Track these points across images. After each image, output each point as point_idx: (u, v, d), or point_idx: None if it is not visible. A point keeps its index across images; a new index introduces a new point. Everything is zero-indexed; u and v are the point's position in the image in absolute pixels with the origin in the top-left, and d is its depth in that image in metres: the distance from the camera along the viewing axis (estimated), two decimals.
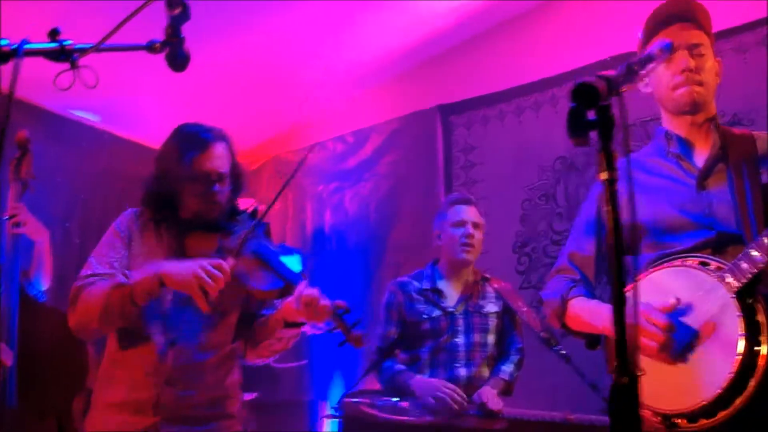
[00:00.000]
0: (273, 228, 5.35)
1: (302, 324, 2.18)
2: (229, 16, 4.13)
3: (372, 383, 3.30)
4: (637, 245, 1.95)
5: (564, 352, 2.80)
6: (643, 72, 1.48)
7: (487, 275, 3.21)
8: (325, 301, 2.06)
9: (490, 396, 2.88)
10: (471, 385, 2.98)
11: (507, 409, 2.89)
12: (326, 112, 5.05)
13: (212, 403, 2.18)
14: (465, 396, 2.88)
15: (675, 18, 1.93)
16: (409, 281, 3.21)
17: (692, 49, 1.91)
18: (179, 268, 1.98)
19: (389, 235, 4.64)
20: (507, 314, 3.16)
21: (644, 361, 1.75)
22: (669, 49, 1.52)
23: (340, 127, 5.11)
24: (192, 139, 2.17)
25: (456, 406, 2.83)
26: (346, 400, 2.99)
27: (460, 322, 3.09)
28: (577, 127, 1.16)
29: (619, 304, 1.07)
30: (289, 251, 2.30)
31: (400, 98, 4.82)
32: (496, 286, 3.16)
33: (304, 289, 2.05)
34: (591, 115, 1.20)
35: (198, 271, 1.95)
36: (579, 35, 4.12)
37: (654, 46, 1.52)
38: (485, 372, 3.06)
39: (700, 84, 1.90)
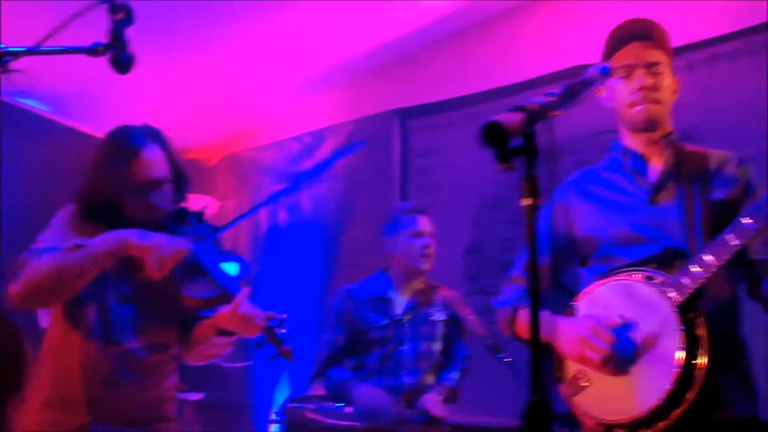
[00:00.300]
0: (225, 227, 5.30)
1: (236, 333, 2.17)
2: (187, 13, 4.08)
3: (319, 389, 3.29)
4: (589, 258, 2.00)
5: (508, 359, 2.85)
6: (583, 95, 1.51)
7: (436, 283, 3.24)
8: (258, 318, 2.05)
9: (433, 403, 2.91)
10: (416, 392, 3.00)
11: (452, 415, 2.93)
12: (284, 112, 5.02)
13: (149, 405, 2.13)
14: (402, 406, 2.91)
15: (634, 36, 1.98)
16: (357, 289, 3.22)
17: (650, 67, 1.95)
18: (143, 235, 1.96)
19: (344, 237, 4.64)
20: (454, 322, 3.19)
21: (590, 373, 1.82)
22: (607, 73, 1.55)
23: (298, 127, 5.08)
24: (121, 147, 2.08)
25: (394, 414, 2.86)
26: (290, 405, 2.98)
27: (408, 330, 3.10)
28: (501, 155, 1.16)
29: (535, 325, 1.06)
30: (230, 258, 2.27)
31: (358, 100, 4.81)
32: (443, 294, 3.19)
33: (240, 303, 2.04)
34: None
35: (160, 240, 1.94)
36: (537, 45, 4.15)
37: (593, 69, 1.56)
38: (431, 379, 3.09)
39: (657, 102, 1.95)
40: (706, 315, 1.73)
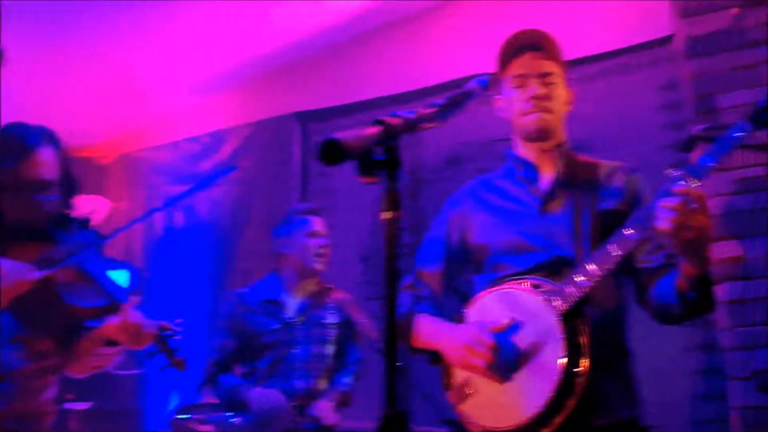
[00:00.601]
0: (119, 229, 5.16)
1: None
2: (85, 11, 3.98)
3: (210, 396, 3.26)
4: (482, 265, 2.02)
5: (401, 364, 2.90)
6: (462, 106, 1.57)
7: (329, 286, 3.26)
8: (149, 327, 2.03)
9: (324, 410, 2.93)
10: (308, 396, 3.01)
11: (344, 420, 2.95)
12: (183, 112, 4.93)
13: (25, 418, 2.06)
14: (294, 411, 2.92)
15: (527, 47, 2.01)
16: (248, 293, 3.19)
17: (542, 77, 1.98)
18: None
19: (240, 240, 4.61)
20: (347, 325, 3.20)
21: (475, 380, 1.83)
22: (486, 85, 1.57)
23: (196, 127, 5.00)
24: (13, 145, 2.04)
25: (290, 418, 2.87)
26: (177, 417, 2.94)
27: (300, 333, 3.10)
28: (363, 167, 1.18)
29: (390, 335, 1.11)
30: (119, 266, 2.23)
31: (259, 102, 4.76)
32: (337, 297, 3.21)
33: (129, 313, 2.01)
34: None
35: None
36: (441, 51, 4.19)
37: (473, 82, 1.58)
38: (323, 383, 3.10)
39: (549, 111, 1.97)
40: (591, 323, 1.76)
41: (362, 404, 3.21)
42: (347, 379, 3.15)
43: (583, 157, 2.08)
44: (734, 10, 3.42)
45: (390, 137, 1.21)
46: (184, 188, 4.89)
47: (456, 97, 1.54)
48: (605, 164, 2.05)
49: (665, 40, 3.72)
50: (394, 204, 1.17)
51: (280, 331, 3.08)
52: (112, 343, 2.12)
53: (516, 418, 1.73)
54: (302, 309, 3.15)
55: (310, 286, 3.21)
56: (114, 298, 2.02)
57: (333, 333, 3.18)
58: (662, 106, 3.75)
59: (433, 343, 1.96)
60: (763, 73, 3.32)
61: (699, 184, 1.61)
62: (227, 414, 2.98)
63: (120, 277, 2.16)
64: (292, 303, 3.17)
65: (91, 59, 4.42)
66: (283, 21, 4.29)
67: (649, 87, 3.76)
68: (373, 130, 1.22)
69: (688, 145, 2.35)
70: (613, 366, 1.87)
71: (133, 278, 2.25)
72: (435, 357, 1.97)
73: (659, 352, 3.52)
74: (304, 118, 4.71)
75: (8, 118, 2.18)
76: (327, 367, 3.14)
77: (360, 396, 3.19)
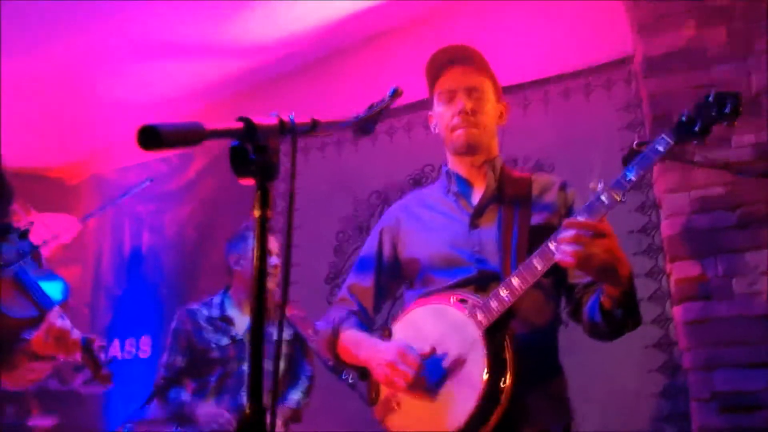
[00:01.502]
0: (90, 247, 5.15)
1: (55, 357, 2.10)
2: (50, 25, 3.99)
3: (158, 412, 3.21)
4: (413, 280, 2.01)
5: (351, 379, 2.87)
6: (377, 117, 1.57)
7: (281, 302, 3.23)
8: (74, 337, 2.00)
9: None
10: None
11: None
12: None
13: None
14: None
15: (454, 61, 2.02)
16: (198, 309, 3.18)
17: (470, 91, 1.99)
18: None
19: (205, 260, 4.57)
20: (297, 341, 3.19)
21: (400, 395, 1.82)
22: (394, 94, 1.59)
23: None
24: None
25: None
26: (121, 430, 2.90)
27: (247, 348, 3.07)
28: (237, 165, 1.17)
29: (256, 341, 1.11)
30: (52, 278, 2.22)
31: (224, 122, 4.75)
32: (288, 313, 3.17)
33: (55, 322, 1.98)
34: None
35: None
36: (402, 73, 4.22)
37: (386, 93, 1.60)
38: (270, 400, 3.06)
39: (476, 126, 1.98)
40: (520, 337, 1.75)
41: (315, 420, 3.17)
42: (296, 396, 3.13)
43: (516, 172, 2.08)
44: (691, 31, 3.44)
45: (256, 135, 1.19)
46: (151, 208, 4.94)
47: (371, 108, 1.57)
48: (539, 179, 2.05)
49: (624, 61, 3.73)
50: (264, 203, 1.15)
51: (229, 347, 3.05)
52: (43, 357, 2.08)
53: None
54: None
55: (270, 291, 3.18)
56: (45, 309, 2.00)
57: (282, 349, 3.15)
58: (624, 126, 3.76)
59: (359, 358, 1.94)
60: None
61: (621, 196, 1.63)
62: (174, 429, 2.92)
63: (53, 288, 2.14)
64: (241, 319, 3.14)
65: (61, 78, 4.43)
66: (256, 39, 4.31)
67: (610, 107, 3.77)
68: (231, 125, 1.20)
69: (627, 159, 2.36)
70: (540, 381, 1.85)
71: (65, 290, 2.22)
72: (364, 372, 1.95)
73: (623, 374, 3.49)
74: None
75: None
76: (275, 384, 3.08)
77: (313, 412, 3.15)
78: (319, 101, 4.42)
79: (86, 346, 2.03)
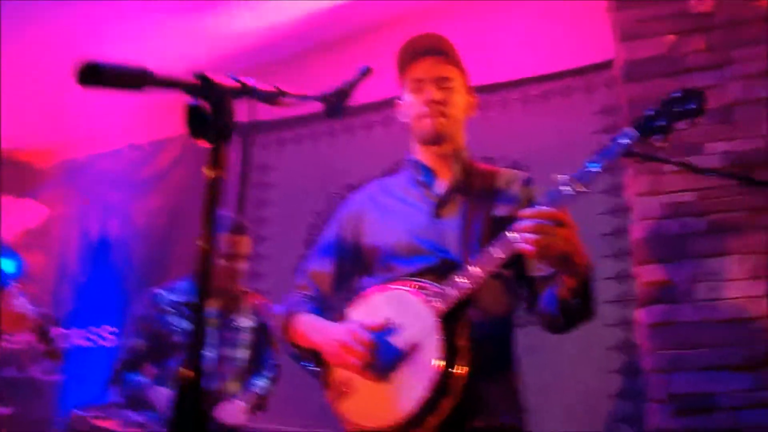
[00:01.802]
0: (56, 234, 5.06)
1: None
2: (25, 5, 3.94)
3: (116, 396, 3.14)
4: (373, 267, 1.98)
5: (316, 368, 2.83)
6: (348, 96, 1.56)
7: (245, 289, 3.19)
8: (28, 313, 1.97)
9: (230, 410, 2.85)
10: (217, 399, 2.92)
11: (262, 423, 2.90)
12: (124, 119, 4.86)
13: None
14: None
15: (425, 52, 2.00)
16: (162, 293, 3.12)
17: (440, 82, 1.97)
18: None
19: (174, 250, 4.51)
20: (262, 330, 3.14)
21: (353, 379, 1.79)
22: (365, 72, 1.58)
23: (138, 135, 4.93)
24: None
25: None
26: (76, 413, 2.83)
27: (212, 335, 3.02)
28: (193, 125, 1.14)
29: (198, 312, 1.07)
30: (7, 254, 2.20)
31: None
32: (253, 301, 3.15)
33: (8, 297, 1.95)
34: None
35: None
36: (384, 67, 4.24)
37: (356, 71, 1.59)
38: (233, 386, 3.01)
39: (445, 116, 1.96)
40: (476, 327, 1.74)
41: (281, 409, 3.13)
42: (260, 382, 3.08)
43: (483, 165, 2.08)
44: (672, 37, 3.48)
45: (212, 92, 1.16)
46: (121, 196, 4.88)
47: (342, 86, 1.57)
48: (505, 172, 2.05)
49: (606, 65, 3.76)
50: (218, 163, 1.12)
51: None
52: None
53: (390, 418, 1.70)
54: (215, 312, 3.07)
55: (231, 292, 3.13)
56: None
57: (246, 337, 3.11)
58: (601, 130, 3.78)
59: (311, 341, 1.91)
60: None
61: (583, 187, 1.62)
62: (131, 412, 2.87)
63: (7, 264, 2.11)
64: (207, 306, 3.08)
65: (37, 60, 4.36)
66: (227, 33, 4.28)
67: (588, 110, 3.80)
68: (186, 77, 1.16)
69: None
70: (495, 371, 1.84)
71: (20, 267, 2.18)
72: (317, 358, 1.92)
73: (584, 374, 3.50)
74: (245, 129, 4.64)
75: None
76: (238, 371, 3.06)
77: (279, 401, 3.13)
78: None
79: (39, 321, 1.98)
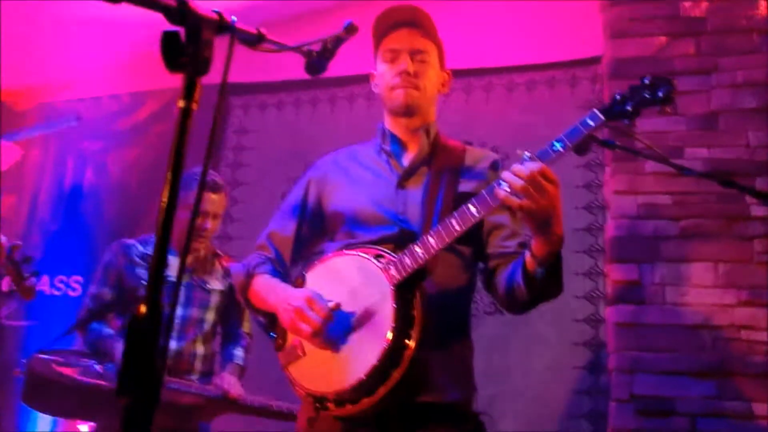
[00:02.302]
0: (29, 178, 4.98)
1: None
2: None
3: (78, 345, 3.12)
4: (335, 233, 1.98)
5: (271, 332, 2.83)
6: (335, 50, 1.53)
7: (219, 252, 3.16)
8: (1, 242, 1.94)
9: (231, 383, 2.86)
10: (179, 359, 2.91)
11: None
12: (106, 68, 4.76)
13: None
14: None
15: (402, 23, 1.99)
16: (133, 244, 3.07)
17: (414, 54, 1.96)
18: None
19: (146, 205, 4.44)
20: (232, 294, 3.10)
21: (306, 344, 1.78)
22: (351, 28, 1.54)
23: (118, 85, 4.83)
24: None
25: None
26: (37, 356, 2.80)
27: (180, 294, 2.99)
28: (169, 55, 1.09)
29: (159, 253, 1.03)
30: None
31: None
32: (225, 264, 3.11)
33: None
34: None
35: None
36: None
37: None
38: (198, 348, 2.98)
39: (417, 88, 1.95)
40: (430, 300, 1.73)
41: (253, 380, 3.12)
42: (239, 353, 3.07)
43: (451, 141, 2.07)
44: (662, 39, 3.48)
45: (188, 20, 1.10)
46: (98, 146, 4.80)
47: (327, 41, 1.53)
48: (473, 150, 2.06)
49: (592, 61, 3.75)
50: (189, 94, 1.09)
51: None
52: None
53: (340, 384, 1.69)
54: (186, 271, 3.03)
55: (199, 250, 3.09)
56: None
57: (215, 299, 3.07)
58: None
59: (267, 302, 1.89)
60: (681, 103, 3.37)
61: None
62: (92, 361, 2.84)
63: None
64: (176, 263, 3.04)
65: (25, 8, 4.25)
66: None
67: (571, 103, 3.79)
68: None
69: (579, 146, 2.36)
70: (447, 347, 1.84)
71: None
72: (273, 320, 1.91)
73: (549, 369, 3.53)
74: (227, 90, 4.59)
75: None
76: (205, 332, 3.02)
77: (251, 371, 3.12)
78: (281, 61, 4.32)
79: (10, 254, 1.95)
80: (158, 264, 0.97)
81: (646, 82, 1.64)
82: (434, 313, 1.74)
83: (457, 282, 1.90)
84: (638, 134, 3.30)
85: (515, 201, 1.57)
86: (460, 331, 1.92)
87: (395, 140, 2.02)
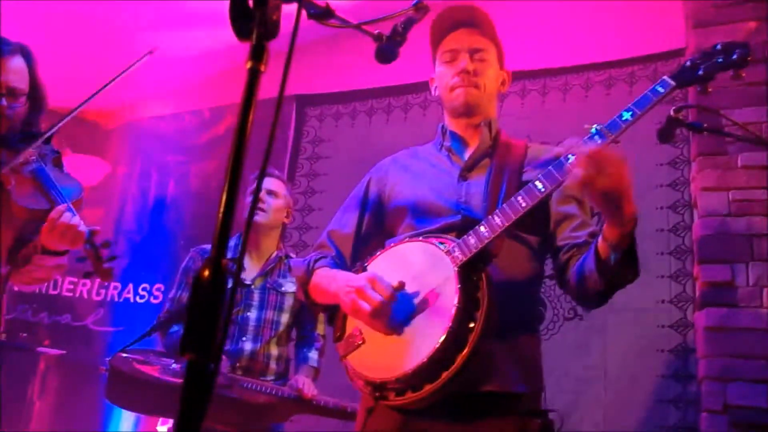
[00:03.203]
0: (116, 191, 5.17)
1: (64, 252, 2.13)
2: None
3: (158, 346, 3.19)
4: (397, 228, 1.94)
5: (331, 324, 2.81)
6: (405, 32, 1.52)
7: (292, 255, 3.19)
8: (80, 228, 2.01)
9: (306, 383, 2.85)
10: (254, 359, 2.94)
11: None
12: (187, 84, 4.93)
13: None
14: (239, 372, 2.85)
15: (460, 24, 1.97)
16: (210, 249, 3.13)
17: (473, 53, 1.94)
18: None
19: None
20: None
21: (366, 331, 1.72)
22: (420, 6, 1.52)
23: (199, 101, 4.99)
24: None
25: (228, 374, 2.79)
26: (119, 354, 2.87)
27: (255, 296, 3.03)
28: (236, 22, 1.08)
29: (228, 206, 0.98)
30: (70, 180, 2.28)
31: (261, 81, 4.73)
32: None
33: (62, 212, 2.00)
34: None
35: None
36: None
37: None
38: (273, 350, 3.01)
39: (477, 87, 1.93)
40: (493, 283, 1.64)
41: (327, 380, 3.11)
42: (314, 355, 3.07)
43: (516, 140, 2.01)
44: (751, 24, 3.29)
45: None
46: (180, 159, 4.95)
47: (400, 24, 1.53)
48: (535, 146, 1.99)
49: (676, 53, 3.59)
50: (257, 55, 1.05)
51: (235, 290, 2.99)
52: (48, 252, 2.10)
53: (401, 368, 1.60)
54: (261, 273, 3.09)
55: (271, 250, 3.14)
56: (56, 203, 2.05)
57: (290, 302, 3.08)
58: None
59: (328, 291, 1.83)
60: None
61: (615, 137, 1.55)
62: (169, 360, 2.90)
63: (68, 189, 2.20)
64: (251, 266, 3.11)
65: (105, 25, 4.46)
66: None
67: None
68: None
69: (663, 132, 2.24)
70: (513, 339, 1.75)
71: (78, 191, 2.26)
72: (332, 314, 1.87)
73: (634, 376, 3.35)
74: (302, 101, 4.67)
75: None
76: (279, 334, 3.04)
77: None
78: (351, 71, 4.39)
79: (89, 238, 2.02)
80: (223, 225, 0.94)
81: (719, 48, 1.58)
82: (500, 302, 1.66)
83: (524, 272, 1.82)
84: (726, 125, 3.19)
85: (581, 173, 1.47)
86: (526, 322, 1.83)
87: (455, 137, 1.99)
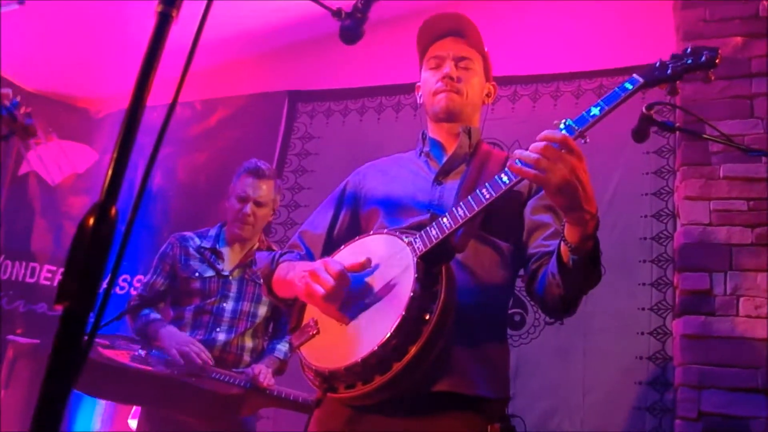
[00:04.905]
0: (104, 179, 5.17)
1: None
2: None
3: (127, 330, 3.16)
4: (371, 227, 1.91)
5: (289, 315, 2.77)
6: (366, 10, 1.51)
7: (274, 248, 3.17)
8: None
9: (263, 371, 2.80)
10: (227, 351, 2.91)
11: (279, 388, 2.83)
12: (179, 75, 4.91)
13: None
14: (211, 358, 2.81)
15: (447, 32, 1.98)
16: (190, 237, 3.13)
17: (459, 60, 1.95)
18: None
19: (212, 209, 4.51)
20: None
21: (322, 321, 1.68)
22: None
23: (191, 93, 4.97)
24: None
25: (199, 362, 2.75)
26: (85, 339, 2.85)
27: (233, 287, 3.01)
28: None
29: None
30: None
31: (255, 75, 4.75)
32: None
33: None
34: None
35: None
36: None
37: None
38: (247, 342, 2.98)
39: (459, 93, 1.93)
40: (455, 278, 1.61)
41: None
42: (283, 347, 3.03)
43: (497, 150, 2.00)
44: (738, 39, 3.34)
45: None
46: (167, 151, 4.92)
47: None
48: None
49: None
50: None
51: (212, 280, 2.99)
52: None
53: (351, 357, 1.54)
54: (240, 264, 3.06)
55: (253, 243, 3.12)
56: None
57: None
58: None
59: (287, 280, 1.79)
60: (757, 105, 3.22)
61: (582, 132, 1.51)
62: (136, 346, 2.88)
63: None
64: (231, 256, 3.08)
65: (99, 14, 4.45)
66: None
67: (640, 107, 3.65)
68: None
69: (637, 132, 2.27)
70: (480, 345, 1.72)
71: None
72: (290, 304, 1.83)
73: (611, 383, 3.36)
74: (294, 97, 4.67)
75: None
76: (255, 326, 3.02)
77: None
78: (345, 69, 4.39)
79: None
80: (115, 171, 0.91)
81: (689, 51, 1.59)
82: (469, 307, 1.65)
83: (494, 278, 1.79)
84: (711, 137, 3.22)
85: (528, 171, 1.43)
86: (494, 330, 1.80)
87: (435, 143, 1.99)
